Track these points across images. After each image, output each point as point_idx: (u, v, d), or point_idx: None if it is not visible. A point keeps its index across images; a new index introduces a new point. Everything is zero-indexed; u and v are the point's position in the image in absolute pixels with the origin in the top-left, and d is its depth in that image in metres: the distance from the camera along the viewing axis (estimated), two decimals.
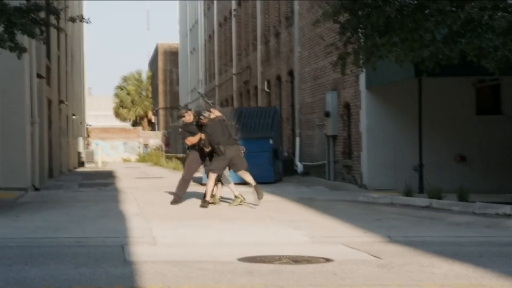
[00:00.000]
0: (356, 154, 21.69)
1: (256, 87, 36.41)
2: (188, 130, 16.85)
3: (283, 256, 9.05)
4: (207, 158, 16.45)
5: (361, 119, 21.04)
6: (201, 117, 15.92)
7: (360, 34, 15.08)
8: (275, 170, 24.17)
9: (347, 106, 22.63)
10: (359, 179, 21.15)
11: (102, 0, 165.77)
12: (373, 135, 20.53)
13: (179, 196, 16.66)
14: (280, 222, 12.94)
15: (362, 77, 20.61)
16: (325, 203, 16.62)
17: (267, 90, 34.13)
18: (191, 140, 16.57)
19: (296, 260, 8.80)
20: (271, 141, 23.96)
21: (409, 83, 18.78)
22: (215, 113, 16.16)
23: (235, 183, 16.81)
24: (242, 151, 16.93)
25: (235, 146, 16.06)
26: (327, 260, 8.75)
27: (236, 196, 16.00)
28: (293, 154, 28.70)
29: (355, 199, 17.32)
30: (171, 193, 18.70)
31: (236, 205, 15.79)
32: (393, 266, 8.29)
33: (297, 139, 28.05)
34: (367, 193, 18.18)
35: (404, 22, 14.25)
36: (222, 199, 16.66)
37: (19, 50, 14.67)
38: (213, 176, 15.82)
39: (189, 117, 16.85)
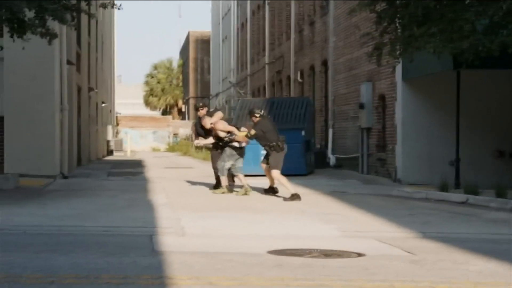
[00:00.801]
0: (390, 147, 21.37)
1: (288, 77, 36.16)
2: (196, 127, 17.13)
3: (313, 249, 8.91)
4: (220, 151, 16.63)
5: (397, 111, 20.72)
6: (256, 115, 15.84)
7: (397, 24, 14.87)
8: (307, 162, 23.93)
9: (382, 98, 22.31)
10: (393, 173, 20.82)
11: None
12: (409, 128, 20.21)
13: (230, 183, 16.79)
14: (311, 215, 12.82)
15: (399, 69, 20.23)
16: (357, 197, 16.42)
17: (300, 80, 33.86)
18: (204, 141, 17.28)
19: (327, 254, 8.66)
20: (303, 133, 23.71)
21: (447, 75, 18.42)
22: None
23: (245, 175, 16.82)
24: None
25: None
26: (359, 254, 8.63)
27: (243, 186, 16.22)
28: (326, 146, 28.43)
29: (389, 194, 17.08)
30: (202, 183, 18.58)
31: (242, 194, 16.03)
32: (426, 263, 8.15)
33: (330, 131, 27.76)
34: (401, 188, 17.92)
35: (443, 12, 13.96)
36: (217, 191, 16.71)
37: (50, 36, 14.60)
38: (278, 172, 15.68)
39: (203, 112, 17.12)
